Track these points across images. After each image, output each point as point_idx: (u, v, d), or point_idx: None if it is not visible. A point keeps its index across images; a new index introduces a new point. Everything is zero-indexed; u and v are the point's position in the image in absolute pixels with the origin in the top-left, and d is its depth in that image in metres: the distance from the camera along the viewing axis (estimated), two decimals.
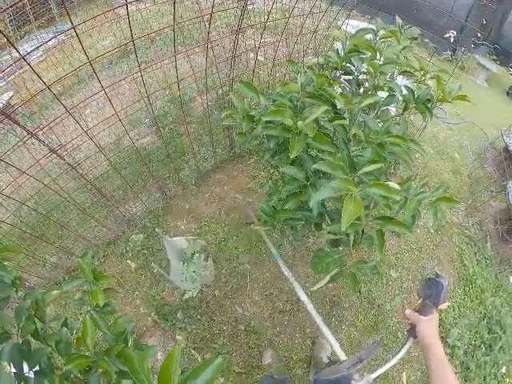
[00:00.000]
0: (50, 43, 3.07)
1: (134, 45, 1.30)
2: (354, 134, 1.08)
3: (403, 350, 0.97)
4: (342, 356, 1.13)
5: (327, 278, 1.04)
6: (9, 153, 1.54)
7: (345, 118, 1.02)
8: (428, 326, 0.91)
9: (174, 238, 1.74)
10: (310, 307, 1.38)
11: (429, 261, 2.37)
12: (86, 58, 1.22)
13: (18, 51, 1.03)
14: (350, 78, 1.29)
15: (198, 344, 1.88)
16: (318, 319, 1.32)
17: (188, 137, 2.21)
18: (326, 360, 1.80)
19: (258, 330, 1.97)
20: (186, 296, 1.76)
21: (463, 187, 2.68)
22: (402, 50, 1.20)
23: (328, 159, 0.90)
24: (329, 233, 1.16)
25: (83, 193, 2.32)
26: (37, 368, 0.86)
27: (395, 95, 1.23)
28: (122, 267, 2.19)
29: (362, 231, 1.11)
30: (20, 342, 0.89)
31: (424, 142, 2.92)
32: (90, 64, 1.23)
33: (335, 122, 0.98)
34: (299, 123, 0.91)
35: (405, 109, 1.12)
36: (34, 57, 2.92)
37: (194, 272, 1.67)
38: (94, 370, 0.90)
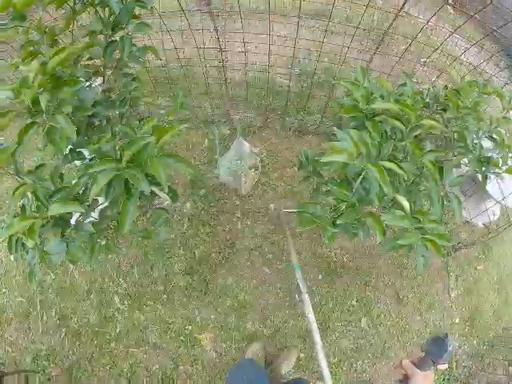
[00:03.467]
0: None
1: None
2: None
3: None
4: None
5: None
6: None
7: (403, 123, 1.24)
8: (423, 381, 0.91)
9: (244, 141, 2.24)
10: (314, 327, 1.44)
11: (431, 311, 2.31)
12: None
13: None
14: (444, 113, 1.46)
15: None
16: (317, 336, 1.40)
17: (310, 97, 2.59)
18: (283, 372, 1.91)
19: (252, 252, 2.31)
20: (217, 178, 2.28)
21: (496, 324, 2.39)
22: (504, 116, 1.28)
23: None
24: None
25: (214, 81, 2.83)
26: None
27: (468, 147, 1.33)
28: (197, 139, 2.78)
29: None
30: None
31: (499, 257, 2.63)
32: None
33: (392, 123, 1.20)
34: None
35: (458, 154, 1.27)
36: None
37: (236, 170, 2.17)
38: None
